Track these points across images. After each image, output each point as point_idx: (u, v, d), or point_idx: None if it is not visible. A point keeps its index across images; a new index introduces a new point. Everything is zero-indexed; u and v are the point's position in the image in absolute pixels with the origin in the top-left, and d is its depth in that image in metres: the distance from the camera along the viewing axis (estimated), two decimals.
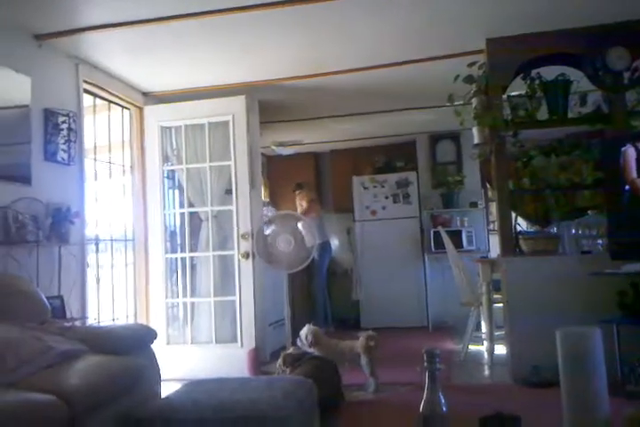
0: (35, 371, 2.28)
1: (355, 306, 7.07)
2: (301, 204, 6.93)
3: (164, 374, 3.16)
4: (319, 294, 6.72)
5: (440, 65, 4.48)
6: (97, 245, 4.50)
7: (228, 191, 4.83)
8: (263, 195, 6.54)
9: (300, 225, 4.61)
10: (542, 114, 4.11)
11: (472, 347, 4.89)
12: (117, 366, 2.47)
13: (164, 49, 4.13)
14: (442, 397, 1.44)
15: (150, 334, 3.06)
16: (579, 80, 3.99)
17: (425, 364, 1.48)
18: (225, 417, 2.19)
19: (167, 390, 2.97)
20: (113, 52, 4.15)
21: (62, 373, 2.30)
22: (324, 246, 6.72)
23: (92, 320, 4.09)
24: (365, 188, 7.20)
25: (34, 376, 2.24)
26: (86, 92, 4.36)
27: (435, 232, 6.73)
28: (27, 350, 2.34)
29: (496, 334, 4.50)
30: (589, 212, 4.12)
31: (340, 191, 7.63)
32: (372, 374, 3.70)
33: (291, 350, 3.64)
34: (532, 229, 4.23)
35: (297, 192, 7.04)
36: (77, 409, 2.08)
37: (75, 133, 3.98)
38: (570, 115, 4.02)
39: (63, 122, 3.88)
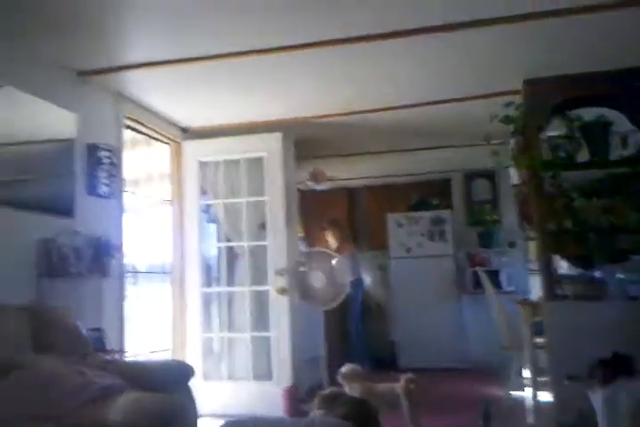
0: (77, 405, 2.29)
1: (391, 345, 6.96)
2: (332, 242, 6.85)
3: (200, 410, 3.14)
4: (353, 331, 6.61)
5: (476, 104, 4.51)
6: (135, 277, 4.54)
7: (262, 226, 4.85)
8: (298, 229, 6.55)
9: (334, 263, 4.60)
10: (582, 155, 4.07)
11: (516, 393, 4.75)
12: (157, 403, 2.45)
13: (202, 87, 4.24)
14: None
15: (189, 372, 3.05)
16: (618, 119, 3.95)
17: (481, 422, 1.44)
18: None
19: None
20: (153, 89, 4.28)
21: (104, 408, 2.29)
22: (358, 283, 6.65)
23: (130, 353, 4.09)
24: (400, 225, 7.18)
25: (76, 411, 2.24)
26: (127, 127, 4.48)
27: (473, 272, 6.63)
28: (70, 384, 2.36)
29: (540, 379, 4.34)
30: (632, 257, 4.01)
31: (374, 228, 7.61)
32: (414, 421, 3.57)
33: (328, 390, 3.57)
34: (574, 273, 4.13)
35: (327, 230, 6.94)
36: None
37: (116, 168, 4.08)
38: (612, 156, 3.97)
39: (106, 157, 3.98)
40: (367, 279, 7.51)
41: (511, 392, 4.62)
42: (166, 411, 2.48)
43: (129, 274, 4.41)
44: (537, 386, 4.27)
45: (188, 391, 2.99)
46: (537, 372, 4.25)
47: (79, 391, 2.36)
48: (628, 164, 3.95)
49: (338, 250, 6.48)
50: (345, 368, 3.78)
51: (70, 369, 2.46)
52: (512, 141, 4.12)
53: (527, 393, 4.55)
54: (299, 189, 7.32)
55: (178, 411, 2.54)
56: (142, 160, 4.85)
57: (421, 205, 7.39)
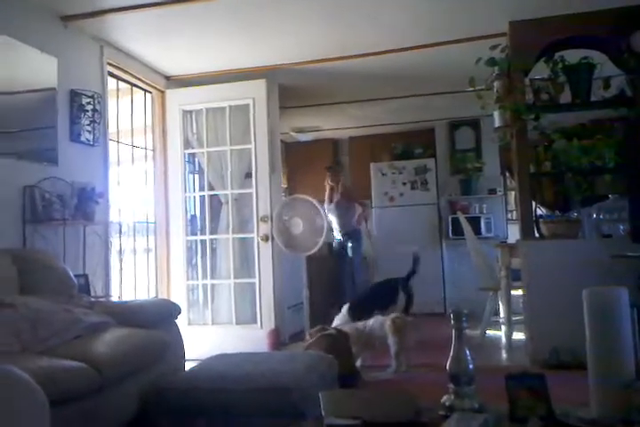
0: (65, 341, 2.35)
1: None
2: (336, 186, 6.43)
3: (186, 354, 3.22)
4: (359, 283, 6.32)
5: (461, 49, 4.47)
6: (120, 226, 4.57)
7: (248, 175, 4.87)
8: (282, 180, 6.54)
9: (320, 210, 4.61)
10: (565, 98, 4.09)
11: (490, 332, 4.91)
12: (144, 337, 2.53)
13: (186, 32, 4.17)
14: (468, 354, 1.47)
15: (175, 310, 3.12)
16: (602, 63, 3.95)
17: (452, 323, 1.51)
18: (248, 388, 2.24)
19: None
20: (136, 35, 4.20)
21: (92, 343, 2.37)
22: (359, 233, 6.48)
23: (115, 299, 4.15)
24: (384, 174, 7.21)
25: (64, 346, 2.31)
26: (110, 75, 4.41)
27: (453, 219, 6.72)
28: (58, 321, 2.41)
29: (514, 319, 4.51)
30: (610, 196, 4.10)
31: (358, 178, 7.64)
32: (397, 355, 3.74)
33: (319, 327, 3.72)
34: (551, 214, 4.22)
35: (330, 173, 6.47)
36: (107, 376, 2.15)
37: (99, 115, 4.04)
38: (593, 99, 3.99)
39: (88, 103, 3.94)
40: None
41: (486, 331, 4.77)
42: (153, 345, 2.57)
43: (115, 224, 4.44)
44: (511, 324, 4.43)
45: (175, 329, 3.07)
46: (511, 311, 4.41)
47: (67, 328, 2.42)
48: (610, 104, 3.98)
49: (343, 195, 6.30)
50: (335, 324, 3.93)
51: (57, 307, 2.51)
52: (496, 84, 4.10)
53: (502, 332, 4.74)
54: (284, 141, 7.31)
55: (165, 345, 2.63)
56: (126, 112, 4.79)
57: (405, 155, 7.43)
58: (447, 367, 1.52)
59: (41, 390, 1.33)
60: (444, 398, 1.57)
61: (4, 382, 1.29)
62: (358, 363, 3.84)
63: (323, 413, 1.50)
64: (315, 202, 4.69)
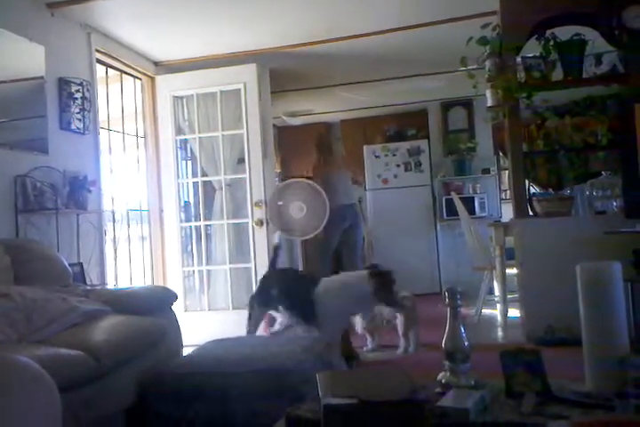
0: (61, 329, 2.35)
1: None
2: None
3: (183, 340, 3.22)
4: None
5: (452, 28, 4.44)
6: (113, 214, 4.56)
7: (241, 160, 4.85)
8: (275, 165, 6.51)
9: (322, 193, 4.50)
10: (557, 76, 4.07)
11: (485, 311, 4.94)
12: (141, 324, 2.53)
13: (174, 16, 4.12)
14: (463, 332, 1.48)
15: (171, 296, 3.12)
16: (594, 40, 3.93)
17: (446, 301, 1.52)
18: (246, 371, 2.24)
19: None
20: (124, 21, 4.16)
21: (88, 331, 2.36)
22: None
23: (111, 287, 4.15)
24: (377, 156, 7.19)
25: (61, 334, 2.31)
26: (98, 62, 4.37)
27: (447, 199, 6.73)
28: (53, 310, 2.41)
29: (509, 297, 4.54)
30: (603, 173, 4.10)
31: (351, 161, 7.60)
32: (405, 334, 3.76)
33: None
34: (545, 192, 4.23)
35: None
36: (105, 364, 2.15)
37: (89, 102, 4.01)
38: (585, 76, 3.97)
39: (77, 91, 3.90)
40: None
41: (482, 310, 4.80)
42: (150, 331, 2.57)
43: (108, 212, 4.42)
44: (507, 303, 4.47)
45: (171, 315, 3.07)
46: (506, 290, 4.43)
47: (63, 316, 2.42)
48: (602, 81, 3.97)
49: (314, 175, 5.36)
50: None
51: (53, 296, 2.51)
52: (488, 63, 4.08)
53: (497, 310, 4.77)
54: (276, 126, 7.27)
55: (162, 331, 2.63)
56: (116, 99, 4.75)
57: (398, 136, 7.42)
58: (443, 345, 1.53)
59: (50, 378, 1.32)
60: (440, 375, 1.58)
61: (15, 372, 1.28)
62: (369, 343, 3.93)
63: (320, 393, 1.51)
64: (315, 185, 4.64)
